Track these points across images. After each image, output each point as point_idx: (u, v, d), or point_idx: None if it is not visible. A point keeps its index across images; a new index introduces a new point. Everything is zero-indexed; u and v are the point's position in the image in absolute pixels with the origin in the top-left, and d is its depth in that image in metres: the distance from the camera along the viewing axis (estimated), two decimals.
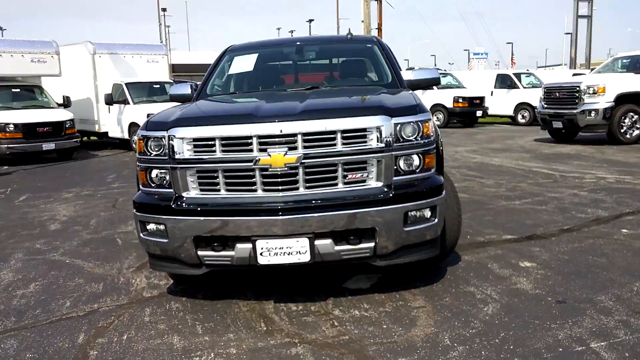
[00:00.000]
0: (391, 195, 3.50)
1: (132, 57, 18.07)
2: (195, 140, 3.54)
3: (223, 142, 3.48)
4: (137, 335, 3.48)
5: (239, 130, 3.47)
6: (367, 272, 4.34)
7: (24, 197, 8.90)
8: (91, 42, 17.41)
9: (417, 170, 3.61)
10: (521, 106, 20.38)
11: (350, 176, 3.52)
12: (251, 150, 3.44)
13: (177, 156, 3.55)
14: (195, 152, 3.54)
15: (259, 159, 3.42)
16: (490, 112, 20.82)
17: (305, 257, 3.49)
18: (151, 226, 3.67)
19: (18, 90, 15.04)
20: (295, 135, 3.42)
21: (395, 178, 3.55)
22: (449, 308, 3.65)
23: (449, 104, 19.87)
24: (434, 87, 20.35)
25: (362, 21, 25.14)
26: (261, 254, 3.48)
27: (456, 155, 11.72)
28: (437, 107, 20.17)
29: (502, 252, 4.77)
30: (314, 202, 3.47)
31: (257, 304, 3.89)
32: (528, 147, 12.86)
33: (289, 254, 3.48)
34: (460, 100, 19.75)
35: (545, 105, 13.27)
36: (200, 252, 3.59)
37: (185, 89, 5.03)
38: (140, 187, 3.77)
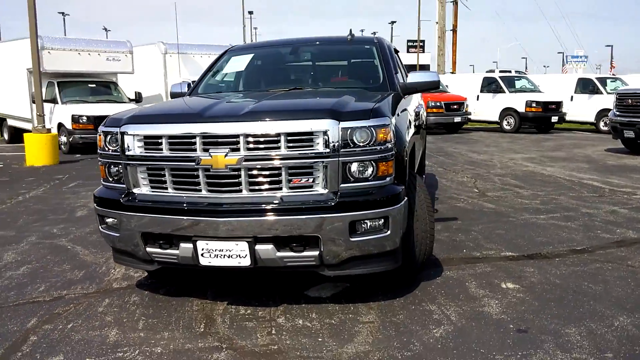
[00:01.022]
0: (334, 203, 3.33)
1: (201, 57, 18.84)
2: (145, 137, 3.56)
3: (170, 140, 3.49)
4: (81, 325, 3.56)
5: (183, 129, 3.46)
6: (336, 280, 4.17)
7: (74, 184, 9.48)
8: (163, 42, 18.32)
9: (370, 178, 3.41)
10: (603, 113, 18.81)
11: (294, 181, 3.39)
12: (195, 150, 3.41)
13: (128, 153, 3.59)
14: (145, 149, 3.57)
15: (201, 159, 3.39)
16: (569, 118, 19.48)
17: (246, 262, 3.41)
18: (109, 220, 3.75)
19: (94, 85, 16.21)
20: (237, 136, 3.35)
21: (343, 185, 3.37)
22: (397, 326, 3.41)
23: (521, 108, 18.79)
24: (506, 90, 19.53)
25: (437, 22, 24.55)
26: (202, 254, 3.44)
27: (509, 162, 11.07)
28: (507, 112, 19.20)
29: (491, 270, 4.41)
30: (255, 205, 3.37)
31: (210, 304, 3.86)
32: (594, 156, 11.88)
33: (229, 257, 3.42)
34: (534, 105, 18.60)
35: (617, 113, 12.18)
36: (149, 249, 3.62)
37: (183, 88, 5.12)
38: (102, 181, 3.85)
